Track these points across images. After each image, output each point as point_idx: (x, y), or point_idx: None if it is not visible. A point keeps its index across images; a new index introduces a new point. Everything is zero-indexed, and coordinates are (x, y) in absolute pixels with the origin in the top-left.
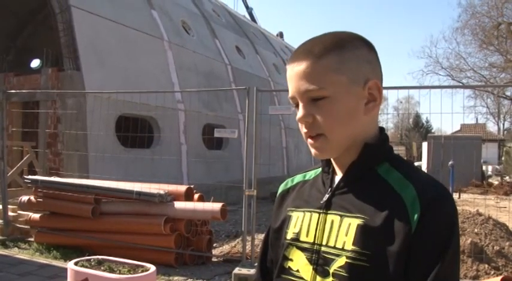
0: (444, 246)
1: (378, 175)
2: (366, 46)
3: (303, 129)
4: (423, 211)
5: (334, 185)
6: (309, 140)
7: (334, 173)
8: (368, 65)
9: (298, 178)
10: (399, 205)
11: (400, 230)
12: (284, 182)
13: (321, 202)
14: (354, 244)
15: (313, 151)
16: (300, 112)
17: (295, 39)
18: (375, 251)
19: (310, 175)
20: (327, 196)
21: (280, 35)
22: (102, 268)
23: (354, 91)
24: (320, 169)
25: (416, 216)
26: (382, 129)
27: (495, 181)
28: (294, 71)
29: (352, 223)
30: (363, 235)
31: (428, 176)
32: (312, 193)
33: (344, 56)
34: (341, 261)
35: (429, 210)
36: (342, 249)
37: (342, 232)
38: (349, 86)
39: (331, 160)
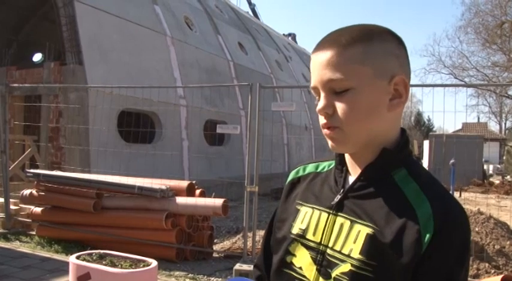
0: (452, 271)
1: (394, 182)
2: (395, 40)
3: (322, 120)
4: (436, 232)
5: (348, 186)
6: (325, 131)
7: (347, 172)
8: (396, 60)
9: (310, 168)
10: (413, 221)
11: (410, 248)
12: (295, 170)
13: (332, 203)
14: (360, 253)
15: (329, 142)
16: (321, 103)
17: (305, 41)
18: (381, 263)
19: (324, 166)
20: (338, 196)
21: (293, 37)
22: (103, 262)
23: (378, 85)
24: (334, 163)
25: (428, 237)
26: (403, 131)
27: (496, 180)
28: (318, 59)
29: (362, 231)
30: (371, 245)
31: (446, 194)
32: (323, 189)
33: (371, 48)
34: (345, 267)
35: (443, 232)
36: (348, 256)
37: (351, 238)
38: (373, 79)
39: (346, 158)
